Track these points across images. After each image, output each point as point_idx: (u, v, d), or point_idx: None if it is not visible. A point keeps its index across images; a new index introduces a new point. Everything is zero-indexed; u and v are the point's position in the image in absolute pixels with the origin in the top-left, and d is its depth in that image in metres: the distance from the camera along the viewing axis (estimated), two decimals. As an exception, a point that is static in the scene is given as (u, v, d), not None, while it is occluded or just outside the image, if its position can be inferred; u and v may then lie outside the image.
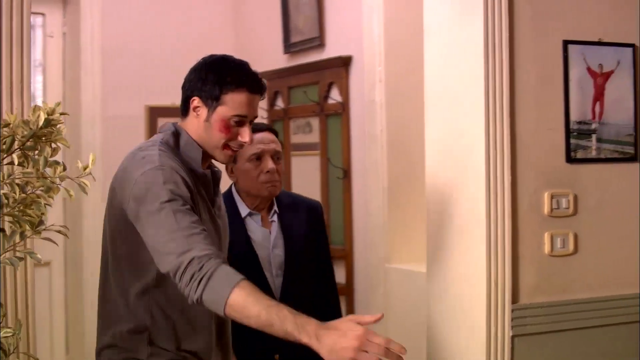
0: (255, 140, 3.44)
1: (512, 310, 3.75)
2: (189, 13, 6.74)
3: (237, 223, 3.59)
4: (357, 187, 5.67)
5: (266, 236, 3.62)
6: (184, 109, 2.95)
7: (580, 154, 3.88)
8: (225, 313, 2.52)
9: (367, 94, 5.47)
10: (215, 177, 3.03)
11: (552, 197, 3.82)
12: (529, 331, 3.79)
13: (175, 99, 6.58)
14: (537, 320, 3.81)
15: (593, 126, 3.90)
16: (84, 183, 2.48)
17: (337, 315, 3.70)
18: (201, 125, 2.89)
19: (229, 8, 6.92)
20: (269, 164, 3.56)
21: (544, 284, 3.83)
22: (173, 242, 2.60)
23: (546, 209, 3.82)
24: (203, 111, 2.88)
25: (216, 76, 2.85)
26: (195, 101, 2.89)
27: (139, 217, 2.70)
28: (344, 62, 5.68)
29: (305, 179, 6.09)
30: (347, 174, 5.71)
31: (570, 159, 3.86)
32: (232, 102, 2.85)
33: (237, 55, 7.42)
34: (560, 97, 3.85)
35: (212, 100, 2.85)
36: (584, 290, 3.90)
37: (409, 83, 5.27)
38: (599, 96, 3.91)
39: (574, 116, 3.86)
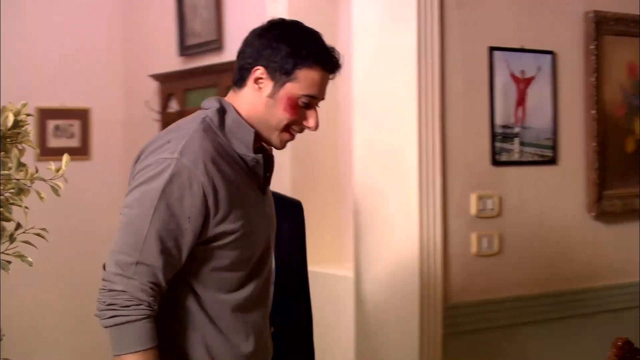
0: None
1: (444, 309, 3.85)
2: (78, 14, 6.60)
3: None
4: (259, 189, 5.66)
5: None
6: (240, 79, 2.50)
7: (504, 157, 4.01)
8: None
9: (271, 96, 5.47)
10: (269, 162, 2.60)
11: (479, 198, 3.94)
12: (459, 329, 3.90)
13: (64, 100, 6.57)
14: (466, 319, 3.92)
15: (516, 130, 4.04)
16: (57, 185, 2.44)
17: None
18: (262, 100, 2.47)
19: (119, 10, 6.81)
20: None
21: (471, 284, 3.94)
22: (126, 256, 2.35)
23: (473, 210, 3.93)
24: (268, 84, 2.45)
25: (290, 47, 2.45)
26: (259, 71, 2.45)
27: (125, 200, 2.42)
28: (246, 65, 5.67)
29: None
30: (247, 176, 5.70)
31: (495, 162, 3.98)
32: (305, 80, 2.46)
33: (126, 57, 7.29)
34: (486, 101, 3.97)
35: (282, 75, 2.44)
36: (509, 289, 4.02)
37: (315, 86, 5.31)
38: (521, 101, 4.05)
39: (498, 120, 3.99)
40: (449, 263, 3.88)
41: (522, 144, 4.05)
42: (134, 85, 6.65)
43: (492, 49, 3.98)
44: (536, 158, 4.10)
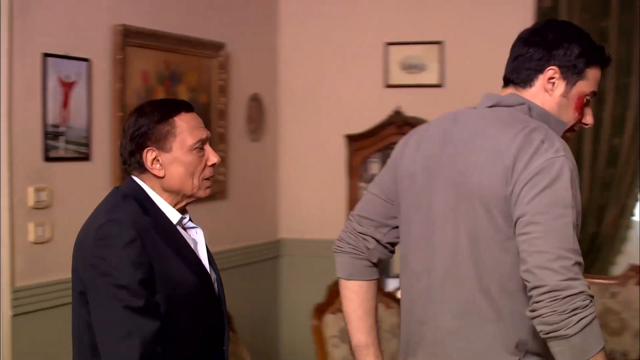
0: (194, 122, 2.78)
1: (12, 292, 4.20)
2: None
3: (174, 234, 2.75)
4: None
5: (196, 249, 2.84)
6: (527, 79, 2.59)
7: (53, 154, 4.43)
8: None
9: None
10: None
11: (35, 191, 4.32)
12: (28, 310, 4.28)
13: None
14: (33, 300, 4.30)
15: (61, 129, 4.47)
16: None
17: None
18: (555, 100, 2.57)
19: None
20: (215, 155, 2.79)
21: (31, 268, 4.32)
22: (565, 260, 2.27)
23: (30, 202, 4.31)
24: (560, 84, 2.56)
25: (581, 47, 2.55)
26: (552, 71, 2.55)
27: (530, 207, 2.35)
28: None
29: None
30: None
31: (47, 158, 4.39)
32: (592, 78, 2.58)
33: None
34: (39, 103, 4.36)
35: (574, 74, 2.55)
36: (61, 271, 4.44)
37: None
38: (66, 103, 4.49)
39: (49, 120, 4.40)
40: (14, 250, 4.24)
41: (67, 142, 4.50)
42: None
43: (46, 55, 4.38)
44: (76, 155, 4.58)
